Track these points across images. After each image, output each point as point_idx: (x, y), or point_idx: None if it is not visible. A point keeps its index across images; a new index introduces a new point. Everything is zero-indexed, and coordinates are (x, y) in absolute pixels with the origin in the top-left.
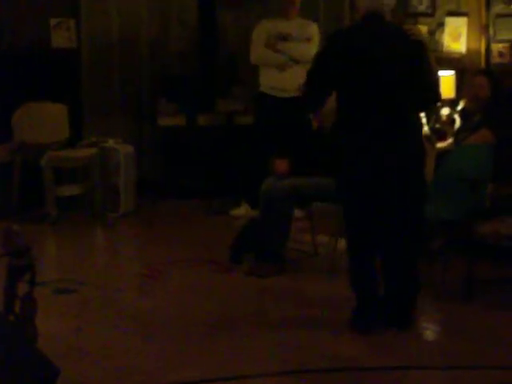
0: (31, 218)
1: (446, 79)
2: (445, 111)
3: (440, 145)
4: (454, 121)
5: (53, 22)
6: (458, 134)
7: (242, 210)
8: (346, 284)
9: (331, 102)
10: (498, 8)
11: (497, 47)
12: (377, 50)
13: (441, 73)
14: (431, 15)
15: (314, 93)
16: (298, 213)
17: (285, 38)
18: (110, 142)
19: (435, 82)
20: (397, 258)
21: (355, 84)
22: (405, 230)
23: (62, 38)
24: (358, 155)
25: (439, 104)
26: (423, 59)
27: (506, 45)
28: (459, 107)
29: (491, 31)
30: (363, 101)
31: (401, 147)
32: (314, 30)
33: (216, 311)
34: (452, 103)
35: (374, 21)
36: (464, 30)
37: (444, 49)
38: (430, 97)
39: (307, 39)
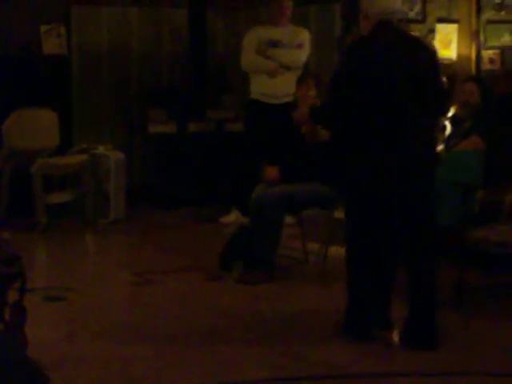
0: (21, 225)
1: None
2: None
3: None
4: (444, 127)
5: (43, 28)
6: (448, 141)
7: (232, 217)
8: (336, 291)
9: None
10: (489, 14)
11: (487, 54)
12: (397, 63)
13: None
14: (422, 22)
15: (339, 110)
16: (288, 219)
17: (276, 44)
18: (101, 149)
19: (446, 92)
20: (415, 267)
21: (378, 97)
22: (412, 235)
23: (52, 44)
24: (360, 156)
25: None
26: (437, 68)
27: (497, 51)
28: (450, 113)
29: (482, 38)
30: (383, 113)
31: (402, 148)
32: (305, 36)
33: (206, 319)
34: None
35: (388, 29)
36: (454, 37)
37: None
38: (442, 106)
39: (298, 46)
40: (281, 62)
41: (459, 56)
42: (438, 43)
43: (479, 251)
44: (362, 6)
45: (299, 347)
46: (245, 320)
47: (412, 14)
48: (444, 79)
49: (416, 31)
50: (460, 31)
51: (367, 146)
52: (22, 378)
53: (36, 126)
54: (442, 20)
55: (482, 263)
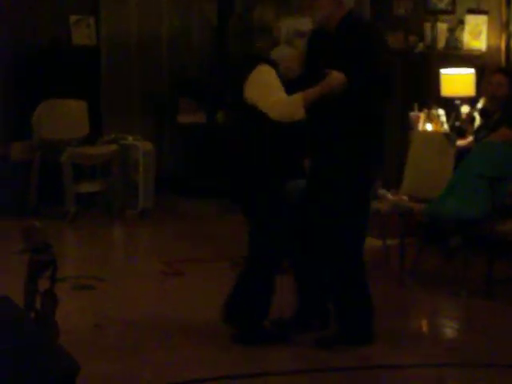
0: (50, 214)
1: (466, 77)
2: (465, 109)
3: (460, 143)
4: (473, 119)
5: (73, 19)
6: (477, 132)
7: None
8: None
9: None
10: None
11: None
12: None
13: (461, 71)
14: (451, 12)
15: None
16: None
17: (302, 34)
18: (130, 139)
19: None
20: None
21: None
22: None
23: (81, 35)
24: None
25: (458, 102)
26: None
27: None
28: (479, 105)
29: (511, 29)
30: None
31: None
32: None
33: None
34: (472, 101)
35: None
36: (484, 28)
37: (464, 46)
38: None
39: None
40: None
41: (489, 47)
42: (467, 34)
43: (509, 243)
44: None
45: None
46: (272, 311)
47: (442, 5)
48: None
49: (445, 22)
50: (490, 22)
51: None
52: (52, 366)
53: (65, 116)
54: (471, 11)
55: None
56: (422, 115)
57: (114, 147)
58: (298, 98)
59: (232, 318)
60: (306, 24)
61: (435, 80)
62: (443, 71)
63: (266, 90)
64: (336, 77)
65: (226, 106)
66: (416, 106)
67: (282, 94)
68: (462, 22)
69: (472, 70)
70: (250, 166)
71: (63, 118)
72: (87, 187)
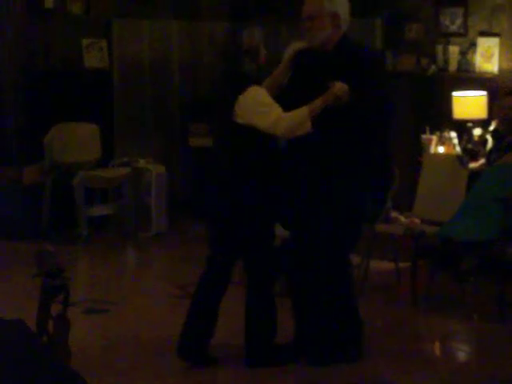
0: (63, 238)
1: (478, 99)
2: (477, 131)
3: (472, 165)
4: (486, 141)
5: (85, 42)
6: (490, 155)
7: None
8: (377, 303)
9: None
10: None
11: None
12: None
13: (473, 93)
14: (463, 35)
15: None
16: None
17: None
18: (142, 162)
19: None
20: None
21: None
22: None
23: (94, 58)
24: None
25: (470, 124)
26: None
27: None
28: (491, 128)
29: None
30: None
31: None
32: None
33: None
34: (484, 124)
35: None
36: (496, 50)
37: (476, 69)
38: None
39: None
40: None
41: (501, 70)
42: (479, 57)
43: None
44: (333, 9)
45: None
46: (282, 333)
47: (454, 28)
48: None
49: (457, 45)
50: (502, 45)
51: None
52: None
53: (78, 140)
54: (483, 33)
55: None
56: (434, 138)
57: (126, 170)
58: (303, 111)
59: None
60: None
61: (447, 102)
62: (455, 94)
63: (264, 108)
64: (340, 87)
65: (213, 128)
66: (428, 128)
67: (281, 110)
68: (473, 45)
69: (484, 93)
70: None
71: (75, 141)
72: (99, 210)
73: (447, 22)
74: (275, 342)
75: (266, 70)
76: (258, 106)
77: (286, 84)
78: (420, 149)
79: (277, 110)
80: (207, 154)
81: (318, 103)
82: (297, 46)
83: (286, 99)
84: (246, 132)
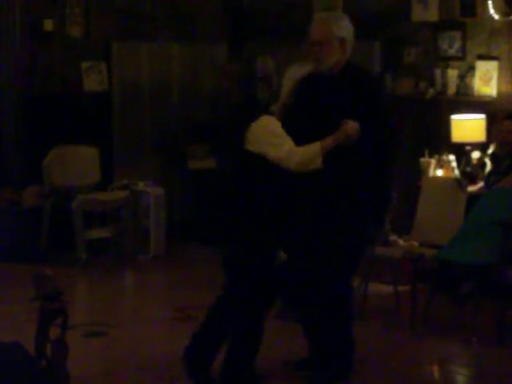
0: (61, 261)
1: (477, 123)
2: (475, 155)
3: (471, 188)
4: (484, 164)
5: (84, 65)
6: (489, 178)
7: None
8: (375, 327)
9: None
10: None
11: None
12: None
13: (472, 116)
14: (462, 59)
15: None
16: None
17: None
18: (141, 185)
19: None
20: None
21: None
22: None
23: (93, 81)
24: None
25: (469, 148)
26: None
27: None
28: (490, 151)
29: None
30: None
31: None
32: None
33: None
34: (483, 147)
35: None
36: (495, 74)
37: (475, 92)
38: None
39: None
40: None
41: (499, 93)
42: (478, 80)
43: None
44: (341, 34)
45: None
46: (278, 357)
47: (452, 52)
48: None
49: (456, 68)
50: (500, 68)
51: None
52: None
53: (76, 163)
54: (482, 57)
55: None
56: (433, 161)
57: (124, 193)
58: (316, 147)
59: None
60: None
61: (446, 126)
62: (454, 117)
63: (277, 139)
64: (352, 126)
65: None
66: (427, 151)
67: (293, 144)
68: (472, 68)
69: (483, 116)
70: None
71: (74, 164)
72: (98, 233)
73: (445, 46)
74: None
75: (276, 97)
76: (271, 137)
77: (290, 109)
78: (419, 172)
79: (289, 142)
80: (206, 176)
81: (329, 141)
82: (299, 72)
83: (292, 124)
84: (255, 159)
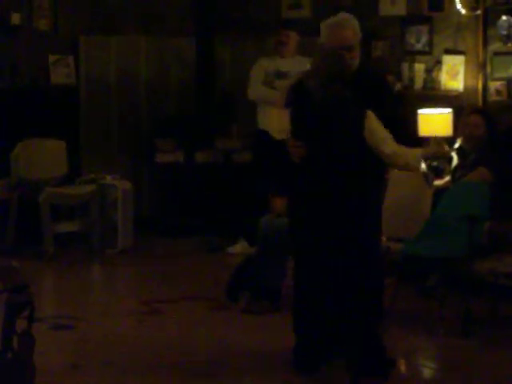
0: (28, 254)
1: (444, 117)
2: None
3: (437, 183)
4: (451, 159)
5: (52, 58)
6: (455, 172)
7: (239, 248)
8: None
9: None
10: (495, 46)
11: (494, 85)
12: None
13: (438, 111)
14: (428, 53)
15: None
16: None
17: (283, 75)
18: (108, 179)
19: None
20: None
21: None
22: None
23: (61, 74)
24: None
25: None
26: None
27: (503, 82)
28: (456, 145)
29: (488, 69)
30: None
31: None
32: None
33: (212, 349)
34: (449, 141)
35: None
36: (461, 68)
37: (441, 87)
38: None
39: None
40: None
41: (466, 87)
42: (444, 75)
43: (486, 282)
44: (360, 36)
45: (302, 378)
46: (248, 351)
47: (419, 46)
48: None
49: (423, 63)
50: (467, 63)
51: None
52: None
53: (44, 156)
54: (448, 51)
55: (489, 294)
56: None
57: (92, 187)
58: (418, 152)
59: None
60: (286, 65)
61: (413, 120)
62: (421, 111)
63: (385, 134)
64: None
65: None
66: None
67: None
68: (439, 63)
69: (449, 110)
70: None
71: (42, 157)
72: (65, 227)
73: (413, 40)
74: None
75: None
76: (381, 132)
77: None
78: (386, 166)
79: (392, 140)
80: (174, 169)
81: (430, 151)
82: (265, 62)
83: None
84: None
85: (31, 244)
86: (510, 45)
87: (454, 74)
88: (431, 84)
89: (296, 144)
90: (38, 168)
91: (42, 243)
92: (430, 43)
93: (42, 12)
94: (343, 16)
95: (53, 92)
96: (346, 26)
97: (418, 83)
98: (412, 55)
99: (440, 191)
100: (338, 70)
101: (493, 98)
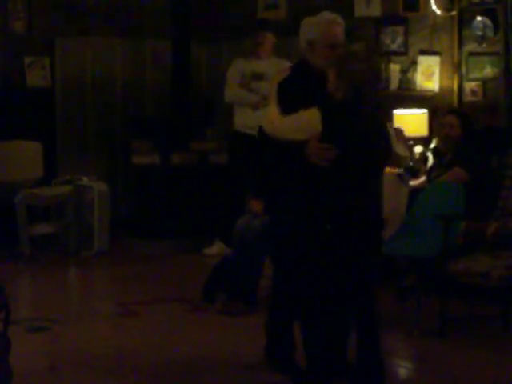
0: (4, 256)
1: (419, 117)
2: (418, 149)
3: (413, 183)
4: (426, 159)
5: (27, 60)
6: (430, 172)
7: (215, 249)
8: None
9: None
10: (471, 47)
11: (469, 85)
12: None
13: (414, 111)
14: (404, 54)
15: None
16: None
17: (259, 76)
18: (85, 180)
19: None
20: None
21: None
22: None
23: (36, 76)
24: None
25: (411, 142)
26: None
27: (479, 83)
28: (432, 145)
29: (463, 70)
30: None
31: None
32: None
33: (189, 350)
34: (425, 141)
35: None
36: (437, 69)
37: (417, 87)
38: None
39: None
40: (264, 95)
41: (441, 88)
42: (420, 75)
43: (462, 282)
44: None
45: (280, 378)
46: (226, 352)
47: (394, 47)
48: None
49: (398, 63)
50: (442, 63)
51: None
52: None
53: (20, 158)
54: (424, 52)
55: (464, 294)
56: None
57: (68, 188)
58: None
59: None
60: (262, 66)
61: (388, 120)
62: (396, 111)
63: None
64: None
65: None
66: None
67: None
68: (414, 63)
69: (425, 111)
70: None
71: (17, 159)
72: (42, 229)
73: (388, 41)
74: None
75: None
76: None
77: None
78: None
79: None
80: (150, 171)
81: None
82: (241, 63)
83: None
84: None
85: (7, 246)
86: (484, 45)
87: (430, 75)
88: (407, 84)
89: (325, 146)
90: (14, 170)
91: (17, 245)
92: (406, 44)
93: (16, 14)
94: (331, 14)
95: (28, 94)
96: (338, 23)
97: (394, 84)
98: (387, 56)
99: (416, 191)
100: (375, 73)
101: (468, 98)
